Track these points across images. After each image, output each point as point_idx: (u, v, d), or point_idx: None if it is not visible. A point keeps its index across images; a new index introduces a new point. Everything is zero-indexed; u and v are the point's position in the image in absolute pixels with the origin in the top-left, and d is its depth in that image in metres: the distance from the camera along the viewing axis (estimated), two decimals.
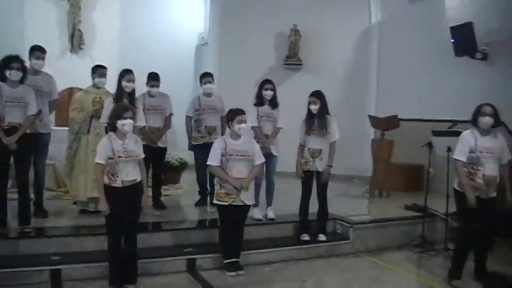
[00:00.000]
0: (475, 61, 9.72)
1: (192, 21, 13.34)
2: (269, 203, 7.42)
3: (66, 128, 7.48)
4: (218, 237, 6.28)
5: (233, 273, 6.04)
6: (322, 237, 7.13)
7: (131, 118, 5.35)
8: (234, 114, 6.08)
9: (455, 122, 8.07)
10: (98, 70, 7.29)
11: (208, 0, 13.07)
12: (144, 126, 7.27)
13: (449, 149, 7.11)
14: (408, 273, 6.63)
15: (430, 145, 7.59)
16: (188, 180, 9.31)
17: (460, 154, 5.96)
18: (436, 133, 7.58)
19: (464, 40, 9.65)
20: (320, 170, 6.95)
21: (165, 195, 8.36)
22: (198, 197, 8.22)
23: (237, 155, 5.93)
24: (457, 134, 7.16)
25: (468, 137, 5.98)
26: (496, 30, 9.45)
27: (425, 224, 7.64)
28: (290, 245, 6.94)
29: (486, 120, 5.88)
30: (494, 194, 5.99)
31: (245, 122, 6.10)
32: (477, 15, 9.60)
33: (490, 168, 5.88)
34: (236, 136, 6.05)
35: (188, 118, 8.03)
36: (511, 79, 9.14)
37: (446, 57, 10.27)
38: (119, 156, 5.23)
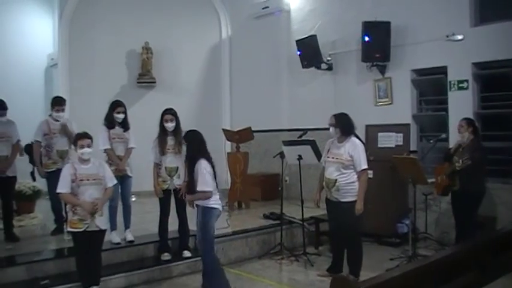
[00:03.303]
0: (321, 71, 10.22)
1: (39, 42, 12.86)
2: (127, 225, 7.31)
3: None
4: (75, 266, 6.06)
5: None
6: (187, 253, 7.13)
7: None
8: (76, 139, 5.87)
9: (305, 131, 8.38)
10: None
11: (56, 19, 12.57)
12: None
13: (300, 157, 7.40)
14: (270, 281, 6.77)
15: (282, 155, 7.84)
16: (43, 208, 8.90)
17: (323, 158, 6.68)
18: (287, 143, 7.83)
19: (309, 52, 10.09)
20: (178, 187, 6.96)
21: (19, 226, 8.01)
22: (54, 226, 7.89)
23: (88, 180, 5.71)
24: (306, 142, 7.49)
25: (327, 145, 6.64)
26: (338, 41, 10.00)
27: (284, 231, 7.87)
28: (151, 266, 6.87)
29: (331, 131, 6.48)
30: (345, 199, 6.34)
31: (88, 146, 5.79)
32: (320, 28, 10.10)
33: (329, 172, 6.40)
34: (84, 160, 5.80)
35: (37, 143, 7.68)
36: (353, 86, 9.72)
37: (294, 69, 10.74)
38: None
